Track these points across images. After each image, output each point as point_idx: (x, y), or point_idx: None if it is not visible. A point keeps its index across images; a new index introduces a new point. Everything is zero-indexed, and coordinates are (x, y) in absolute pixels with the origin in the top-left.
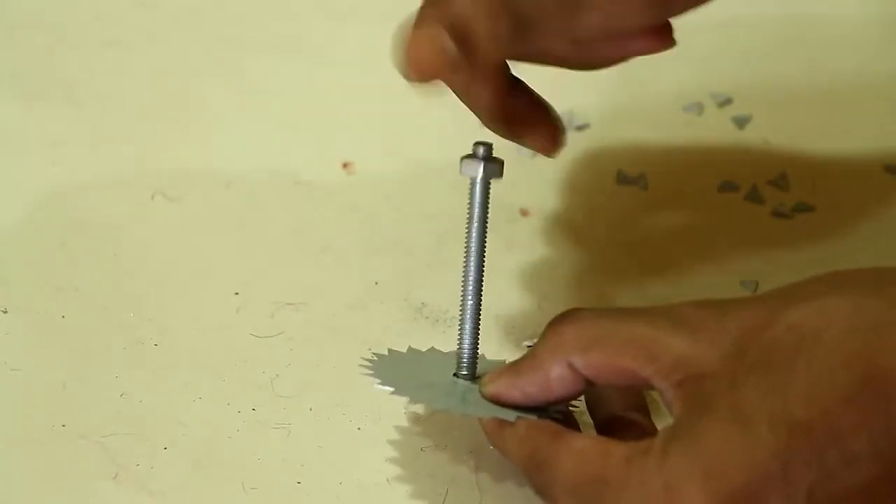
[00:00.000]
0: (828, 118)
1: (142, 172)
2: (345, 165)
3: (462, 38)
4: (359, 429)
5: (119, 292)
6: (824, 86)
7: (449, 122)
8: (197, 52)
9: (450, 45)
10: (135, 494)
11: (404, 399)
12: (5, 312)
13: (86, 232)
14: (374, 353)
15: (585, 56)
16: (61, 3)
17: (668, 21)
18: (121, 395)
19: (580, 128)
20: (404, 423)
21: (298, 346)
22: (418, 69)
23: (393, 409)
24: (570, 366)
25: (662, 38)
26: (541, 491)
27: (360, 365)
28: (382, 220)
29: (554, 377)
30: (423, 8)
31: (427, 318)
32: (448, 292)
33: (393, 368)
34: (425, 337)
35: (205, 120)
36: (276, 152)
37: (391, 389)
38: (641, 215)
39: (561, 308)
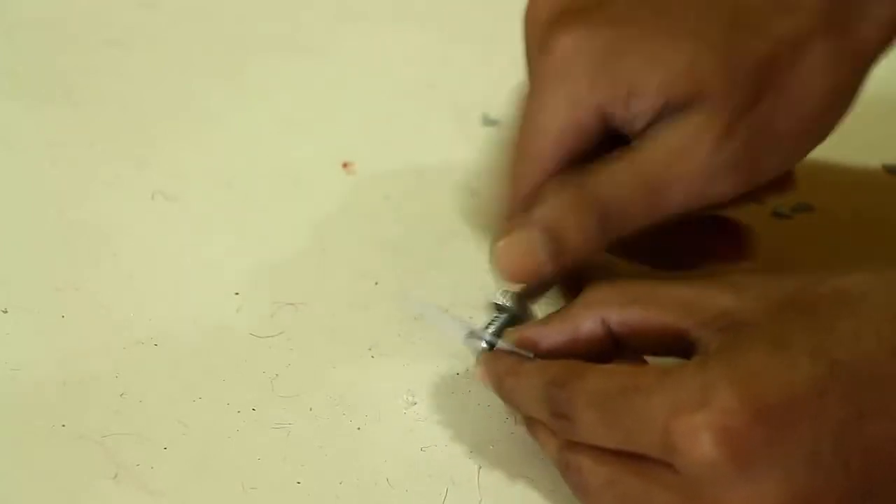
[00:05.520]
0: None
1: (142, 172)
2: (345, 165)
3: (554, 239)
4: (359, 429)
5: (119, 292)
6: None
7: (449, 122)
8: (197, 52)
9: (543, 249)
10: (135, 494)
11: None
12: (5, 312)
13: (86, 232)
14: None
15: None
16: (61, 3)
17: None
18: (121, 395)
19: None
20: (404, 423)
21: (298, 346)
22: (513, 274)
23: (393, 409)
24: (604, 322)
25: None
26: (556, 412)
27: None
28: (382, 220)
29: (584, 331)
30: (513, 212)
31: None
32: (448, 292)
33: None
34: (425, 337)
35: (205, 120)
36: (276, 152)
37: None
38: None
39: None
